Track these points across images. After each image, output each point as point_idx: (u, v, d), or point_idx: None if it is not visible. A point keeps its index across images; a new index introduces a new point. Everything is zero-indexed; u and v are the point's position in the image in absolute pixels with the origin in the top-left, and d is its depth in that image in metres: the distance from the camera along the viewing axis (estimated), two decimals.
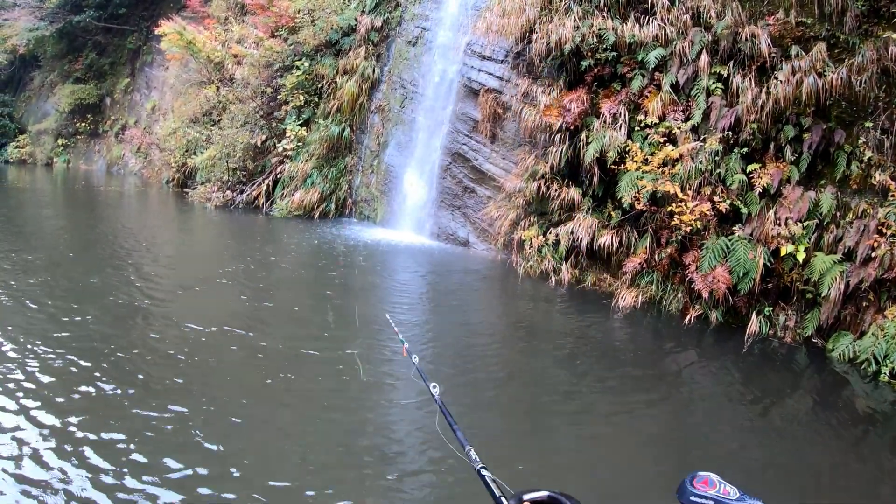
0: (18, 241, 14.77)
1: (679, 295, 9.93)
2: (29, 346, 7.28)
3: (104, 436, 5.43)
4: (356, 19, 17.89)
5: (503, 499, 1.30)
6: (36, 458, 5.04)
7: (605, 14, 11.70)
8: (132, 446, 5.25)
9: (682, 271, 9.88)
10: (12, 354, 6.98)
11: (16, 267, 11.42)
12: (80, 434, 5.41)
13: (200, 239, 16.78)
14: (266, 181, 19.67)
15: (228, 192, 20.16)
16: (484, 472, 1.40)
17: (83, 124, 35.62)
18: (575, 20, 11.83)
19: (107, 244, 14.57)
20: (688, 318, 9.42)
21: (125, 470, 4.94)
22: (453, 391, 6.80)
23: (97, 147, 35.57)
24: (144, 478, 4.83)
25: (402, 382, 6.84)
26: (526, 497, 1.47)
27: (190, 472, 4.97)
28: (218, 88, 22.63)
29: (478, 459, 2.03)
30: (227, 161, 20.36)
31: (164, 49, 24.34)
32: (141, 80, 33.21)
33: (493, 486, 1.39)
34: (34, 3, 33.99)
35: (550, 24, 12.13)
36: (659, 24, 10.98)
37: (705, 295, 9.17)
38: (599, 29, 11.53)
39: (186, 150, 23.69)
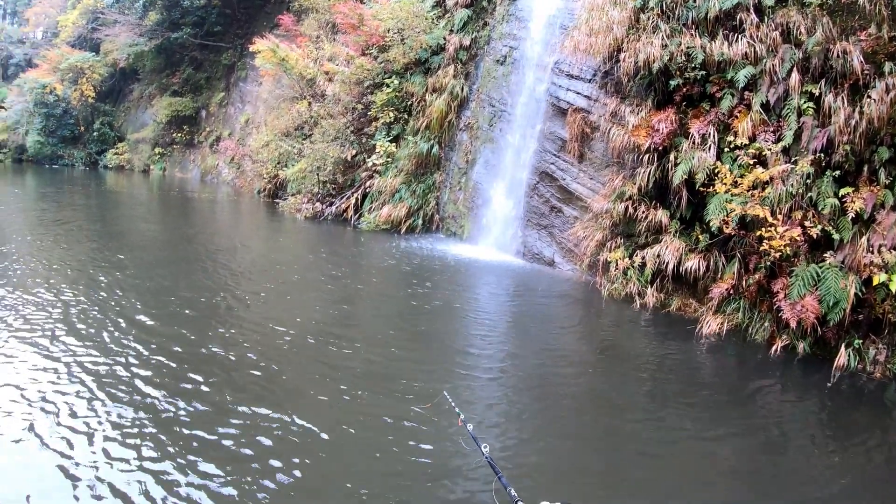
0: (114, 241, 16.82)
1: (766, 324, 10.20)
2: (114, 340, 8.67)
3: (165, 432, 6.40)
4: (445, 38, 19.03)
5: None
6: (103, 445, 6.11)
7: (693, 32, 12.14)
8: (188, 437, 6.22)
9: (769, 299, 10.15)
10: (110, 346, 8.26)
11: (111, 265, 13.40)
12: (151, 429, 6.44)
13: (289, 247, 18.38)
14: (355, 195, 21.11)
15: (318, 203, 21.84)
16: None
17: (179, 134, 38.97)
18: (663, 38, 12.33)
19: (199, 248, 16.43)
20: (774, 348, 9.66)
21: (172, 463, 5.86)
22: (529, 416, 7.46)
23: (192, 156, 38.54)
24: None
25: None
26: None
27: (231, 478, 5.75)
28: (310, 104, 24.30)
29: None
30: (317, 174, 22.01)
31: (257, 65, 26.54)
32: (235, 94, 35.90)
33: None
34: (134, 20, 37.66)
35: (638, 43, 12.67)
36: (748, 42, 11.35)
37: (793, 324, 9.41)
38: (688, 47, 11.98)
39: (278, 163, 25.72)
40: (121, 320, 9.62)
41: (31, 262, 13.20)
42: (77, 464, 5.78)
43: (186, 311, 10.39)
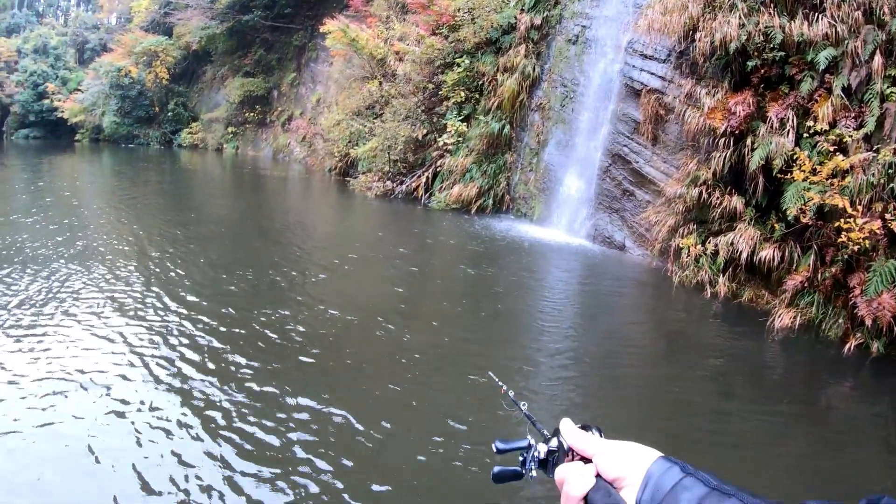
0: (186, 217, 18.16)
1: (840, 320, 10.07)
2: (173, 312, 9.29)
3: (220, 410, 6.75)
4: (516, 17, 19.12)
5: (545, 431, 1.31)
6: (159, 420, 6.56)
7: (771, 11, 11.93)
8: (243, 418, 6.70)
9: (845, 294, 10.04)
10: (168, 318, 8.91)
11: (182, 240, 14.61)
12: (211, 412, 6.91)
13: (358, 225, 19.29)
14: (426, 174, 21.66)
15: (389, 182, 22.54)
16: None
17: (252, 114, 40.34)
18: (740, 17, 12.14)
19: (270, 224, 17.53)
20: (847, 346, 9.53)
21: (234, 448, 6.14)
22: (592, 404, 7.78)
23: (264, 135, 39.81)
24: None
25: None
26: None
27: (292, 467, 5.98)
28: (380, 83, 24.79)
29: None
30: (388, 153, 22.62)
31: (328, 46, 27.32)
32: (306, 74, 36.94)
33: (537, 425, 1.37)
34: (206, 4, 39.33)
35: (714, 22, 12.52)
36: (829, 22, 11.09)
37: (868, 322, 9.29)
38: (766, 27, 11.79)
39: (349, 141, 26.46)
40: (185, 294, 10.46)
41: (103, 237, 14.50)
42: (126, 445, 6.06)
43: (252, 287, 11.20)
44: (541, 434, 1.30)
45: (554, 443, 1.24)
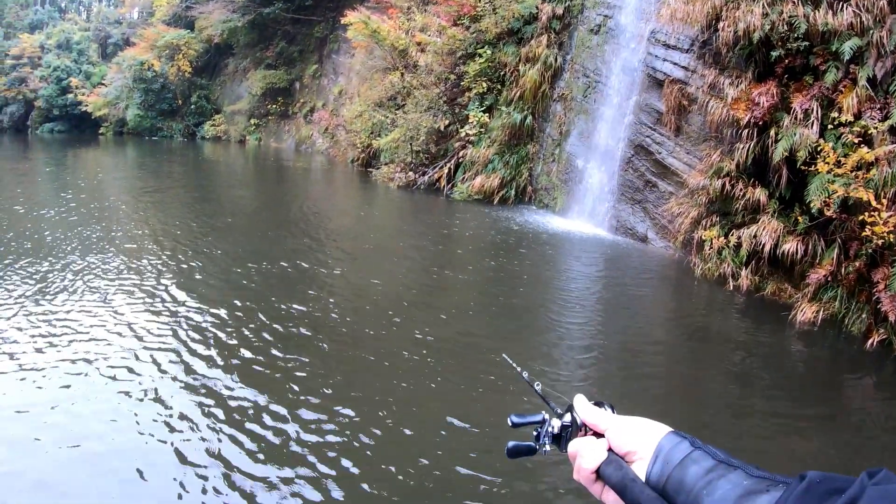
0: (210, 207, 18.70)
1: (863, 315, 10.03)
2: (185, 302, 9.56)
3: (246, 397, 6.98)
4: (537, 7, 19.20)
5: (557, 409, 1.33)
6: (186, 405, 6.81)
7: (795, 0, 11.85)
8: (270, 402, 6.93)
9: (868, 289, 10.01)
10: (193, 308, 9.17)
11: (206, 230, 15.22)
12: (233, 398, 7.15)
13: (381, 215, 19.69)
14: (448, 164, 21.87)
15: (411, 173, 22.83)
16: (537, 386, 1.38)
17: (274, 106, 40.82)
18: (763, 6, 12.09)
19: (292, 215, 18.05)
20: (870, 341, 9.50)
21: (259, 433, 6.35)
22: (608, 396, 7.82)
23: (287, 127, 40.24)
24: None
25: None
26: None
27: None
28: (402, 74, 24.96)
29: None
30: (410, 144, 22.86)
31: (349, 37, 27.51)
32: (328, 66, 37.27)
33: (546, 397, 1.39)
34: None
35: (737, 11, 12.49)
36: (854, 11, 11.02)
37: (892, 318, 9.27)
38: (790, 16, 11.73)
39: (371, 132, 26.76)
40: (198, 285, 10.92)
41: (124, 228, 15.04)
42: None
43: (274, 276, 11.59)
44: (554, 412, 1.34)
45: (567, 418, 1.28)
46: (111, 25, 59.36)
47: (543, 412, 1.34)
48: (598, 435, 1.20)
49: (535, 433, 1.32)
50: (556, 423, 1.29)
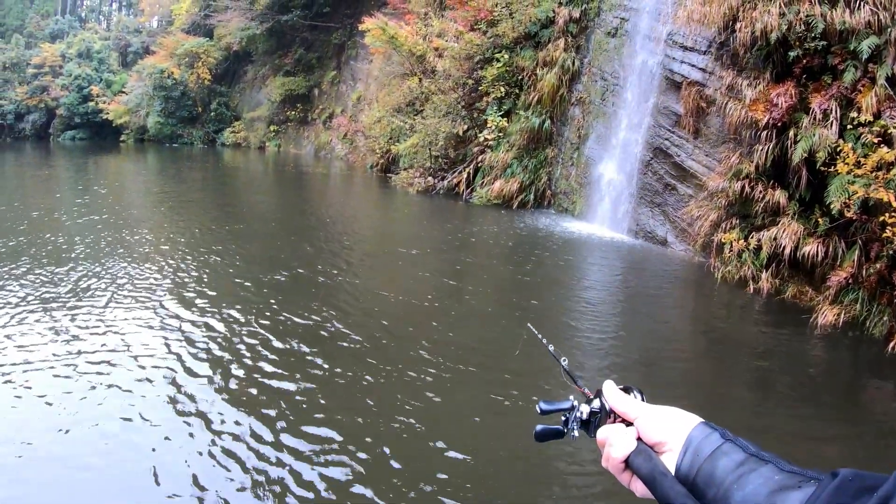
0: (230, 212, 19.12)
1: (885, 318, 10.01)
2: (215, 305, 9.60)
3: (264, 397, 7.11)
4: (554, 11, 19.38)
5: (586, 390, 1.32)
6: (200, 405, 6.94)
7: None
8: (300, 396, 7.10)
9: (890, 291, 10.00)
10: (210, 312, 9.28)
11: (225, 235, 15.49)
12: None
13: (400, 220, 19.94)
14: (467, 169, 22.11)
15: (430, 178, 23.12)
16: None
17: (293, 112, 41.44)
18: (780, 6, 12.12)
19: (312, 220, 18.42)
20: (892, 344, 9.44)
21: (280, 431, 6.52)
22: None
23: (306, 133, 40.80)
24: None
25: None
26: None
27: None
28: (420, 80, 25.25)
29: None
30: (429, 149, 23.16)
31: (367, 44, 27.97)
32: (346, 72, 37.85)
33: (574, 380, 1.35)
34: (245, 5, 40.71)
35: (754, 12, 12.55)
36: (871, 9, 11.02)
37: None
38: (807, 15, 11.74)
39: (390, 138, 27.14)
40: (230, 285, 11.15)
41: (143, 233, 15.40)
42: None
43: (293, 280, 11.80)
44: (580, 390, 1.33)
45: (596, 404, 1.27)
46: (131, 34, 60.55)
47: (572, 398, 1.33)
48: (628, 423, 1.20)
49: (563, 418, 1.31)
50: (584, 409, 1.29)
